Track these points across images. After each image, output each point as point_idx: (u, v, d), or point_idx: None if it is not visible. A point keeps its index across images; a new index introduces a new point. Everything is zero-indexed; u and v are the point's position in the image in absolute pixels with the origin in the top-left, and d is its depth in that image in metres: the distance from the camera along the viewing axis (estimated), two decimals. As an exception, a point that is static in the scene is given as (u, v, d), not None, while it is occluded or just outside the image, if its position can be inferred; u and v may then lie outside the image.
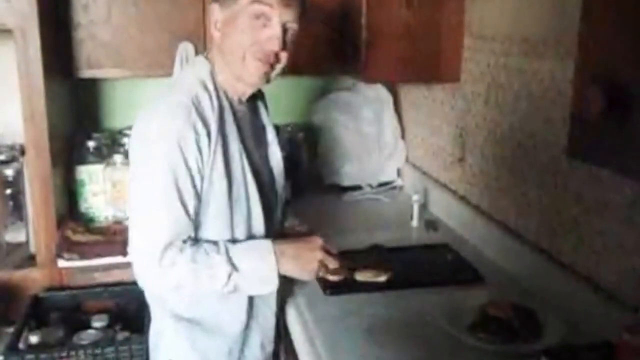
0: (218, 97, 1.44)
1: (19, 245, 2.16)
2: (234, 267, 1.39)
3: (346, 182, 2.68)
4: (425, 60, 2.20)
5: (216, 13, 1.42)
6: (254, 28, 1.39)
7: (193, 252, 1.37)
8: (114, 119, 2.68)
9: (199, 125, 1.36)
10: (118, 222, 2.24)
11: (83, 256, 2.03)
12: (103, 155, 2.36)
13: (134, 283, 2.03)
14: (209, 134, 1.37)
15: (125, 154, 2.30)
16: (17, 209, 2.18)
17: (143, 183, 1.38)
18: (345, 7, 2.16)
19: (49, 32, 2.01)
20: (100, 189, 2.27)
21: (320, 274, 1.54)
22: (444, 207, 2.37)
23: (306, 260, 1.49)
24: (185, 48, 2.15)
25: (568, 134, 1.11)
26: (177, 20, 2.20)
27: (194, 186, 1.38)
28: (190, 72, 1.48)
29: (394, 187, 2.73)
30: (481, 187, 2.16)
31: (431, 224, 2.32)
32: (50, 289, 2.05)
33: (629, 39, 0.98)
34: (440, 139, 2.45)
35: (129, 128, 2.53)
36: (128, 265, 2.05)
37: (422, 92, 2.58)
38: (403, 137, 2.76)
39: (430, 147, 2.54)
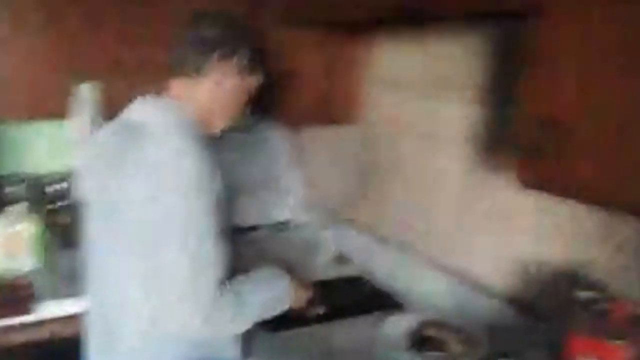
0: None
1: None
2: (265, 290, 1.48)
3: (245, 223, 2.70)
4: (335, 104, 2.34)
5: (227, 78, 1.50)
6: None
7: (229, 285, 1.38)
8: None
9: (211, 162, 1.38)
10: (18, 277, 2.05)
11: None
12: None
13: (41, 343, 1.90)
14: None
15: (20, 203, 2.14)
16: None
17: (181, 225, 1.32)
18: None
19: None
20: (-8, 243, 2.08)
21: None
22: (350, 242, 2.49)
23: (307, 288, 1.66)
24: (87, 89, 2.08)
25: (518, 167, 1.28)
26: (78, 60, 2.10)
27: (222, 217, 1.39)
28: (171, 112, 1.45)
29: (293, 226, 2.80)
30: (391, 220, 2.30)
31: (341, 258, 2.43)
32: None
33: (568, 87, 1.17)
34: (343, 177, 2.58)
35: (15, 175, 2.37)
36: (32, 325, 1.91)
37: (321, 133, 2.70)
38: (301, 176, 2.85)
39: (333, 185, 2.66)
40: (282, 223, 2.79)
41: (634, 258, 1.40)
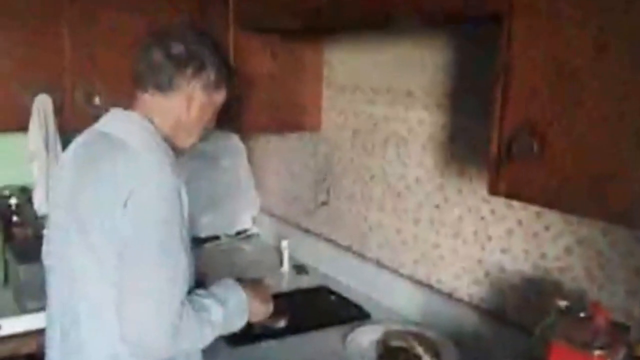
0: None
1: None
2: (224, 305, 1.42)
3: (204, 234, 2.64)
4: (290, 110, 2.30)
5: (197, 93, 1.48)
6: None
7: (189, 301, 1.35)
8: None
9: (180, 176, 1.38)
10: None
11: None
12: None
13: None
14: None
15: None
16: None
17: (149, 244, 1.30)
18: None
19: None
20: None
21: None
22: (309, 251, 2.45)
23: (266, 302, 1.61)
24: (43, 101, 2.00)
25: (488, 174, 1.27)
26: (32, 71, 2.04)
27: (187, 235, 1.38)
28: (144, 128, 1.43)
29: (250, 235, 2.75)
30: (350, 228, 2.28)
31: (301, 268, 2.38)
32: None
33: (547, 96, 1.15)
34: (299, 185, 2.54)
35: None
36: None
37: (276, 142, 2.67)
38: (257, 185, 2.80)
39: (289, 194, 2.62)
40: (240, 233, 2.74)
41: (612, 267, 1.40)
